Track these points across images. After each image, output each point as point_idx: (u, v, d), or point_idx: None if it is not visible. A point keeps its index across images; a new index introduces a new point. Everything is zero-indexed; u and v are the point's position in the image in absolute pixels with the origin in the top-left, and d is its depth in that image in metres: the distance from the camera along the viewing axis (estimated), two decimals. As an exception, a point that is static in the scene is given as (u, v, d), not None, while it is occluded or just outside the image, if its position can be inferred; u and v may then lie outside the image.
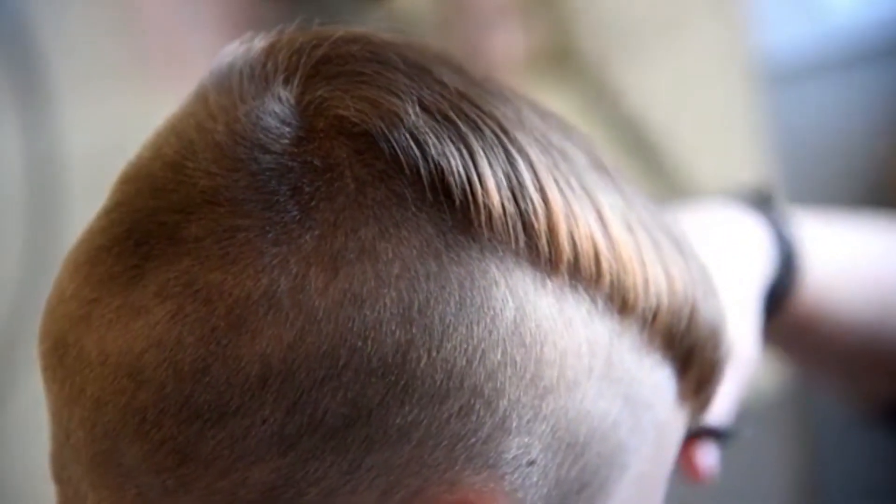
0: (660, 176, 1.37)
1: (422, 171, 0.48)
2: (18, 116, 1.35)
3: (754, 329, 0.71)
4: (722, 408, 0.68)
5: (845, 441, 1.54)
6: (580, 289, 0.50)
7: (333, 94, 0.50)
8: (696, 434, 0.66)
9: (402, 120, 0.49)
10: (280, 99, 0.50)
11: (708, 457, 0.68)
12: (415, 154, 0.48)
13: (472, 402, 0.48)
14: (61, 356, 0.51)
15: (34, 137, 1.36)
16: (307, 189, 0.48)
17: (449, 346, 0.48)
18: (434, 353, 0.47)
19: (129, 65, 1.42)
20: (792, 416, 1.51)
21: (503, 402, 0.49)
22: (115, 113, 1.36)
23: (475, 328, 0.48)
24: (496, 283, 0.48)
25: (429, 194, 0.48)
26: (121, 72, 1.42)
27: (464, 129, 0.49)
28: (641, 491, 0.55)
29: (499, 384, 0.48)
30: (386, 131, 0.48)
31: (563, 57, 1.49)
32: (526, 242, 0.49)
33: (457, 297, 0.48)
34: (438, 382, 0.48)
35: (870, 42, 1.57)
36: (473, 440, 0.49)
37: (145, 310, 0.48)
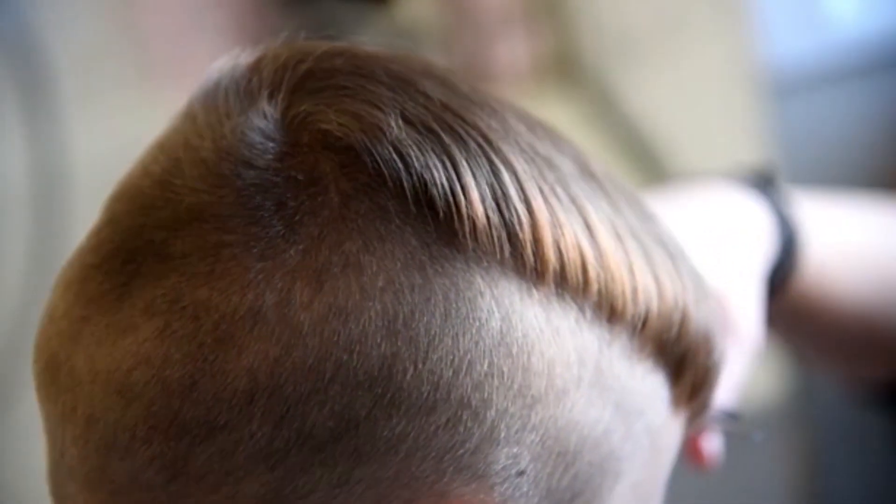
0: (663, 185, 1.38)
1: (405, 183, 0.48)
2: (24, 125, 1.36)
3: (759, 310, 0.71)
4: (727, 390, 0.67)
5: (847, 450, 1.53)
6: (567, 298, 0.50)
7: (317, 109, 0.50)
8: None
9: (384, 133, 0.49)
10: (265, 114, 0.50)
11: (712, 442, 0.67)
12: (398, 167, 0.48)
13: (460, 413, 0.48)
14: (53, 374, 0.51)
15: (40, 145, 1.37)
16: (291, 204, 0.48)
17: (435, 357, 0.48)
18: (420, 365, 0.47)
19: (134, 73, 1.43)
20: (793, 425, 1.51)
21: (491, 413, 0.49)
22: (120, 121, 1.36)
23: (461, 339, 0.48)
24: (481, 293, 0.48)
25: (412, 207, 0.48)
26: (126, 80, 1.43)
27: (447, 140, 0.49)
28: (637, 498, 0.55)
29: (486, 395, 0.48)
30: (369, 145, 0.49)
31: (567, 66, 1.49)
32: (511, 253, 0.49)
33: (442, 309, 0.48)
34: (425, 394, 0.48)
35: (874, 54, 1.57)
36: (462, 451, 0.49)
37: (133, 327, 0.49)
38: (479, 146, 0.50)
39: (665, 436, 0.55)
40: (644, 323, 0.52)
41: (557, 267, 0.50)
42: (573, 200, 0.51)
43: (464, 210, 0.48)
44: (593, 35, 1.49)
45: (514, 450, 0.49)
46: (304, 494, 0.48)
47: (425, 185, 0.48)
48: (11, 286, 1.34)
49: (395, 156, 0.48)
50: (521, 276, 0.49)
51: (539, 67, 1.49)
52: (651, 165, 1.43)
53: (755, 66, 1.50)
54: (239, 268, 0.48)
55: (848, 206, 0.82)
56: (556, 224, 0.50)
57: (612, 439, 0.52)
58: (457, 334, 0.48)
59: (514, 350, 0.49)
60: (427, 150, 0.49)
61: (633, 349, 0.52)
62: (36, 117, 1.36)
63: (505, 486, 0.50)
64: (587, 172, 0.54)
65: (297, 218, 0.48)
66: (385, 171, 0.48)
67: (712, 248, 0.70)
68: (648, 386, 0.53)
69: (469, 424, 0.48)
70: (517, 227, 0.49)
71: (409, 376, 0.47)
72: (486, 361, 0.48)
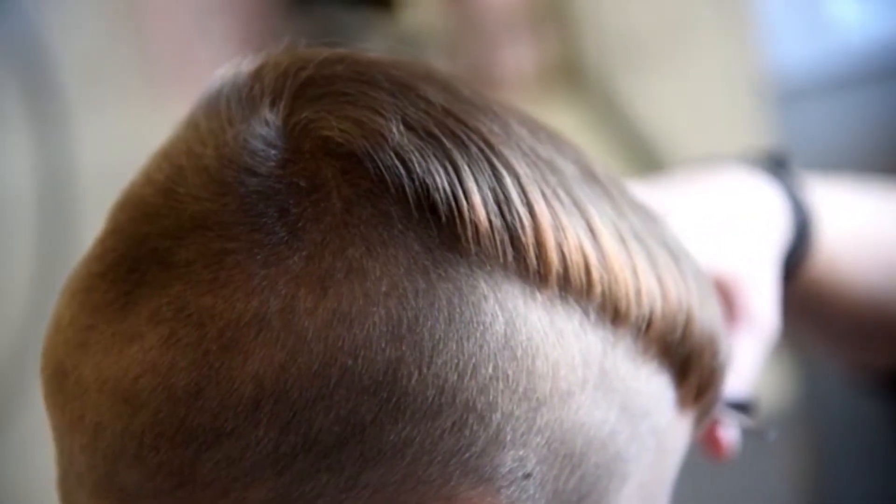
0: (673, 170, 1.38)
1: (407, 189, 0.48)
2: (30, 132, 1.36)
3: (774, 295, 0.71)
4: (743, 378, 0.67)
5: (852, 451, 1.53)
6: (571, 300, 0.50)
7: (319, 116, 0.50)
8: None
9: (386, 139, 0.49)
10: (266, 122, 0.50)
11: (730, 432, 0.67)
12: (399, 172, 0.48)
13: (465, 416, 0.48)
14: (61, 383, 0.51)
15: (46, 152, 1.37)
16: (294, 210, 0.48)
17: (439, 361, 0.48)
18: (425, 370, 0.48)
19: (141, 80, 1.43)
20: (798, 426, 1.51)
21: (496, 416, 0.49)
22: (126, 128, 1.37)
23: (465, 343, 0.48)
24: (485, 297, 0.48)
25: (415, 212, 0.48)
26: (132, 87, 1.43)
27: (448, 145, 0.49)
28: (644, 499, 0.55)
29: (491, 398, 0.49)
30: (370, 151, 0.49)
31: (573, 72, 1.49)
32: (514, 256, 0.49)
33: (446, 313, 0.48)
34: (430, 398, 0.48)
35: (878, 61, 1.57)
36: (468, 455, 0.49)
37: (139, 335, 0.49)
38: (481, 150, 0.50)
39: (671, 437, 0.55)
40: (648, 324, 0.52)
41: (560, 270, 0.50)
42: (576, 203, 0.51)
43: (466, 214, 0.48)
44: (598, 41, 1.49)
45: (520, 452, 0.50)
46: (311, 499, 0.48)
47: (427, 190, 0.48)
48: (17, 293, 1.35)
49: (396, 161, 0.49)
50: (524, 280, 0.49)
51: (544, 73, 1.49)
52: (655, 170, 1.43)
53: (760, 72, 1.50)
54: (243, 275, 0.48)
55: (858, 190, 0.82)
56: (558, 227, 0.50)
57: (617, 441, 0.52)
58: (461, 338, 0.48)
59: (519, 353, 0.49)
60: (429, 156, 0.49)
61: (638, 351, 0.52)
62: (42, 124, 1.36)
63: (511, 488, 0.50)
64: (590, 175, 0.54)
65: (299, 224, 0.48)
66: (387, 177, 0.49)
67: (720, 233, 0.69)
68: (653, 387, 0.53)
69: (475, 428, 0.49)
70: (520, 231, 0.49)
71: (413, 380, 0.47)
72: (491, 365, 0.48)
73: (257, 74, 0.52)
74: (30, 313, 1.31)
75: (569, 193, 0.51)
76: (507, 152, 0.51)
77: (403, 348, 0.47)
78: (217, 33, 1.42)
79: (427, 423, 0.48)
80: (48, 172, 1.37)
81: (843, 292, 0.77)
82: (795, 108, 1.52)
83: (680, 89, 1.48)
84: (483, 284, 0.49)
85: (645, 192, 0.64)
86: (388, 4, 1.47)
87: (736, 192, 0.73)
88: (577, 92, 1.49)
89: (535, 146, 0.52)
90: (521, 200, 0.49)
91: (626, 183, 0.57)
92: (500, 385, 0.49)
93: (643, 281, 0.52)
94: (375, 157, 0.49)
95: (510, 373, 0.49)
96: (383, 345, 0.47)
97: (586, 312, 0.51)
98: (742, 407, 0.66)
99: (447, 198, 0.48)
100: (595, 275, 0.50)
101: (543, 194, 0.50)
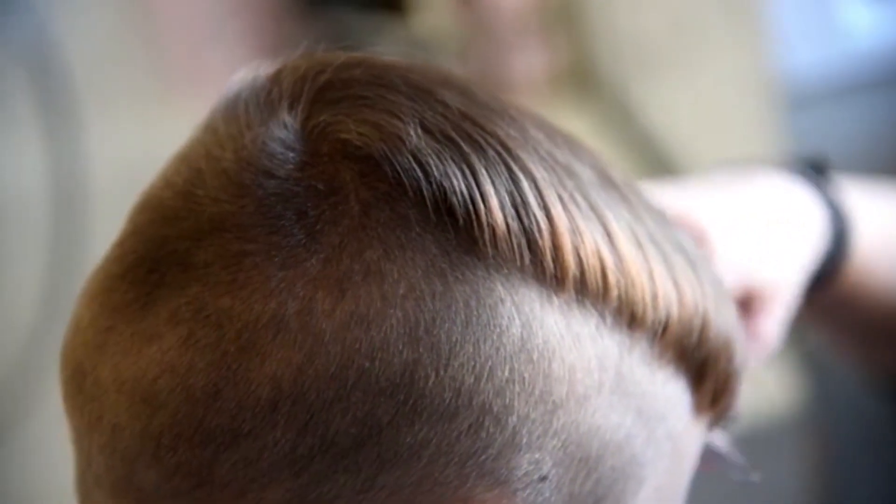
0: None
1: (425, 192, 0.49)
2: (44, 135, 1.37)
3: (786, 317, 0.71)
4: (771, 333, 0.69)
5: (860, 458, 1.53)
6: (587, 304, 0.50)
7: (337, 119, 0.50)
8: None
9: (404, 142, 0.49)
10: (285, 125, 0.51)
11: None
12: (417, 175, 0.49)
13: (482, 419, 0.48)
14: (80, 384, 0.52)
15: (59, 155, 1.37)
16: (312, 213, 0.49)
17: (456, 364, 0.48)
18: (442, 372, 0.48)
19: (154, 82, 1.43)
20: (806, 433, 1.51)
21: (512, 419, 0.49)
22: (139, 131, 1.37)
23: (482, 346, 0.48)
24: (502, 300, 0.49)
25: (432, 215, 0.49)
26: (145, 89, 1.43)
27: (466, 148, 0.50)
28: (660, 503, 0.55)
29: (507, 401, 0.49)
30: (389, 154, 0.49)
31: (584, 77, 1.49)
32: (531, 259, 0.49)
33: (463, 316, 0.48)
34: (447, 400, 0.48)
35: (890, 65, 1.57)
36: (484, 457, 0.49)
37: (158, 336, 0.49)
38: (498, 154, 0.50)
39: (687, 441, 0.55)
40: (664, 329, 0.52)
41: (577, 273, 0.50)
42: (592, 207, 0.51)
43: (483, 218, 0.49)
44: (610, 45, 1.49)
45: (536, 455, 0.50)
46: (327, 501, 0.48)
47: (445, 193, 0.49)
48: (30, 293, 1.35)
49: (414, 165, 0.49)
50: (540, 283, 0.50)
51: (555, 77, 1.49)
52: (666, 175, 1.43)
53: (771, 78, 1.50)
54: (261, 276, 0.48)
55: (879, 192, 0.82)
56: (575, 231, 0.50)
57: (633, 444, 0.52)
58: (478, 341, 0.48)
59: (535, 356, 0.49)
60: (446, 159, 0.49)
61: (654, 355, 0.52)
62: (55, 127, 1.37)
63: (527, 491, 0.50)
64: (606, 180, 0.54)
65: (317, 227, 0.48)
66: (405, 180, 0.49)
67: (761, 239, 0.70)
68: (670, 391, 0.53)
69: (491, 430, 0.49)
70: (536, 235, 0.49)
71: (430, 383, 0.48)
72: (508, 367, 0.49)
73: (275, 78, 0.52)
74: (42, 313, 1.31)
75: (586, 197, 0.52)
76: (524, 156, 0.51)
77: (420, 350, 0.48)
78: (229, 35, 1.42)
79: (444, 425, 0.48)
80: (60, 173, 1.37)
81: (871, 295, 0.78)
82: (807, 112, 1.52)
83: (691, 94, 1.48)
84: (500, 287, 0.49)
85: (682, 194, 0.64)
86: (399, 8, 1.47)
87: (775, 196, 0.73)
88: (589, 96, 1.49)
89: (553, 150, 0.52)
90: (539, 204, 0.50)
91: (643, 187, 0.57)
92: (517, 388, 0.49)
93: (660, 285, 0.52)
94: (393, 160, 0.49)
95: (526, 376, 0.49)
96: (400, 347, 0.47)
97: (603, 316, 0.51)
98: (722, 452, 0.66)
99: (464, 201, 0.49)
100: (612, 279, 0.51)
101: (560, 198, 0.50)
